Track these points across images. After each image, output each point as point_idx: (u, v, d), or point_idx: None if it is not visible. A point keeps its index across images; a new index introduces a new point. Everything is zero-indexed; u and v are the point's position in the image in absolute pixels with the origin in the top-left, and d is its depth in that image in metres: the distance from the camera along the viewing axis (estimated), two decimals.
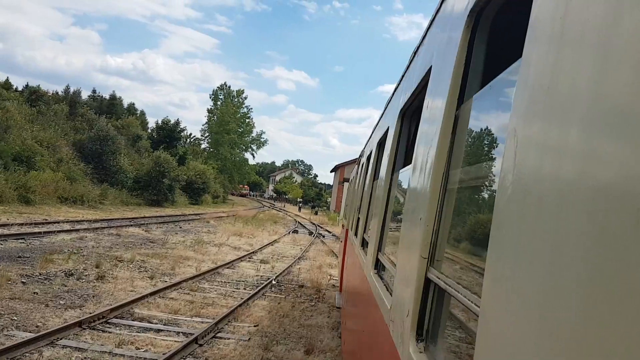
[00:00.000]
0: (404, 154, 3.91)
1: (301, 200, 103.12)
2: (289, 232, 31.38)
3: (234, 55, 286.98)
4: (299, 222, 44.80)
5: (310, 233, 32.87)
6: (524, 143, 1.09)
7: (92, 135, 39.35)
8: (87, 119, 42.15)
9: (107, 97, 77.93)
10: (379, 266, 3.96)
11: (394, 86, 4.88)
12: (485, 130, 1.79)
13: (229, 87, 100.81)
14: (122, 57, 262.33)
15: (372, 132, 7.38)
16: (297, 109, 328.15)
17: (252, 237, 23.79)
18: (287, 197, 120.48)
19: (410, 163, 2.75)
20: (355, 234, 7.34)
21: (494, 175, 1.49)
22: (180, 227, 23.88)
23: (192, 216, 32.94)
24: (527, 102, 1.12)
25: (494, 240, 1.20)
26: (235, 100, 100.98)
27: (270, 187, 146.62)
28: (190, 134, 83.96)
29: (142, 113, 69.72)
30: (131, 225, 20.65)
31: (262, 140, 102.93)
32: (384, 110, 5.85)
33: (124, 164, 39.68)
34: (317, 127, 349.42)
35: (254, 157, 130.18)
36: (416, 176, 2.41)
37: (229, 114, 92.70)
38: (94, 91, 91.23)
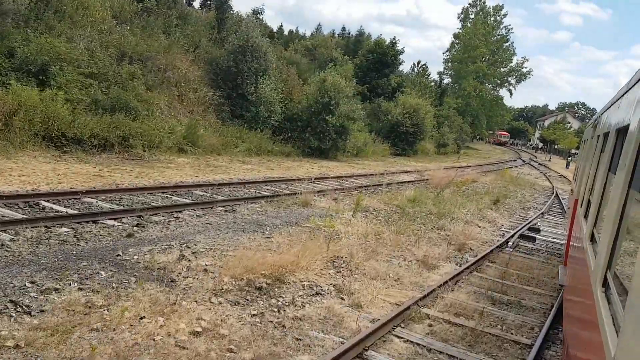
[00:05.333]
0: None
1: (575, 152, 74.63)
2: (506, 241, 12.37)
3: None
4: (559, 198, 23.80)
5: None
6: None
7: (229, 48, 26.81)
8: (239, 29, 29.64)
9: (354, 34, 66.90)
10: (606, 285, 2.87)
11: None
12: None
13: (484, 2, 77.57)
14: (397, 4, 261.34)
15: (617, 100, 4.45)
16: (582, 47, 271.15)
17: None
18: (556, 147, 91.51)
19: None
20: (585, 217, 5.71)
21: None
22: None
23: (311, 185, 16.91)
24: None
25: None
26: (491, 19, 77.49)
27: (537, 134, 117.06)
28: (419, 62, 66.26)
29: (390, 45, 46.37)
30: None
31: (523, 71, 77.18)
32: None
33: (265, 92, 26.07)
34: (606, 66, 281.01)
35: (511, 94, 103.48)
36: None
37: (478, 36, 70.64)
38: (343, 29, 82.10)
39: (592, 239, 4.38)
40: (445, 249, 10.65)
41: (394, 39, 47.26)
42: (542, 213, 18.31)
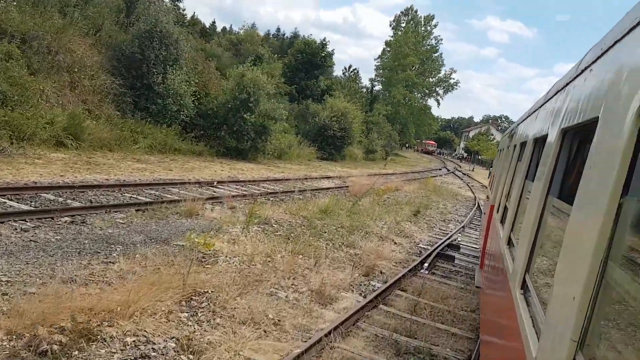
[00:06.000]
0: (560, 184, 2.89)
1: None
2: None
3: (444, 6, 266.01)
4: (480, 209, 23.10)
5: None
6: None
7: (134, 32, 23.82)
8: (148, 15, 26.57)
9: (290, 34, 64.93)
10: (525, 287, 2.98)
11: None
12: None
13: (416, 11, 78.71)
14: (334, 12, 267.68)
15: (535, 111, 4.69)
16: (508, 63, 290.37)
17: None
18: (480, 157, 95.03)
19: (565, 200, 2.42)
20: (501, 222, 5.87)
21: None
22: None
23: (211, 190, 14.61)
24: None
25: None
26: (422, 29, 78.68)
27: (462, 144, 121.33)
28: (350, 67, 65.53)
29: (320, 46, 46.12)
30: None
31: (451, 82, 79.01)
32: (549, 98, 3.64)
33: (175, 83, 23.32)
34: (530, 82, 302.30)
35: (438, 104, 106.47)
36: (571, 245, 1.88)
37: (409, 44, 71.22)
38: (278, 30, 79.60)
39: (510, 243, 4.41)
40: (351, 273, 8.81)
41: (324, 40, 45.92)
42: (462, 227, 17.19)
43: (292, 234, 10.47)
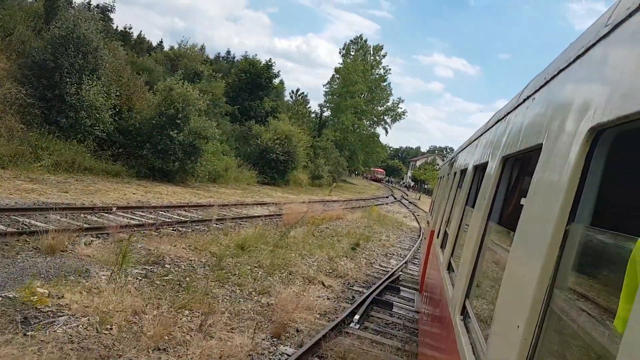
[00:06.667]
0: (500, 210, 2.94)
1: None
2: None
3: (393, 41, 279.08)
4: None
5: None
6: None
7: (49, 38, 21.06)
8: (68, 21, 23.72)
9: (240, 58, 62.79)
10: (465, 313, 2.97)
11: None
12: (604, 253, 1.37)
13: (365, 40, 79.19)
14: (288, 40, 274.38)
15: (475, 140, 4.83)
16: (452, 98, 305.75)
17: None
18: (426, 186, 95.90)
19: (505, 226, 2.48)
20: (442, 247, 6.00)
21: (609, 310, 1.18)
22: None
23: (104, 217, 12.06)
24: None
25: None
26: (371, 58, 79.09)
27: (409, 173, 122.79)
28: (297, 90, 64.36)
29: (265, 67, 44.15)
30: None
31: (398, 111, 79.40)
32: (491, 126, 3.74)
33: (89, 95, 20.56)
34: (473, 117, 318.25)
35: (387, 132, 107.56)
36: (514, 272, 1.85)
37: (358, 72, 71.07)
38: (228, 52, 77.44)
39: (450, 268, 4.47)
40: (253, 335, 6.63)
41: (269, 60, 44.22)
42: (405, 262, 15.43)
43: (187, 279, 8.19)
